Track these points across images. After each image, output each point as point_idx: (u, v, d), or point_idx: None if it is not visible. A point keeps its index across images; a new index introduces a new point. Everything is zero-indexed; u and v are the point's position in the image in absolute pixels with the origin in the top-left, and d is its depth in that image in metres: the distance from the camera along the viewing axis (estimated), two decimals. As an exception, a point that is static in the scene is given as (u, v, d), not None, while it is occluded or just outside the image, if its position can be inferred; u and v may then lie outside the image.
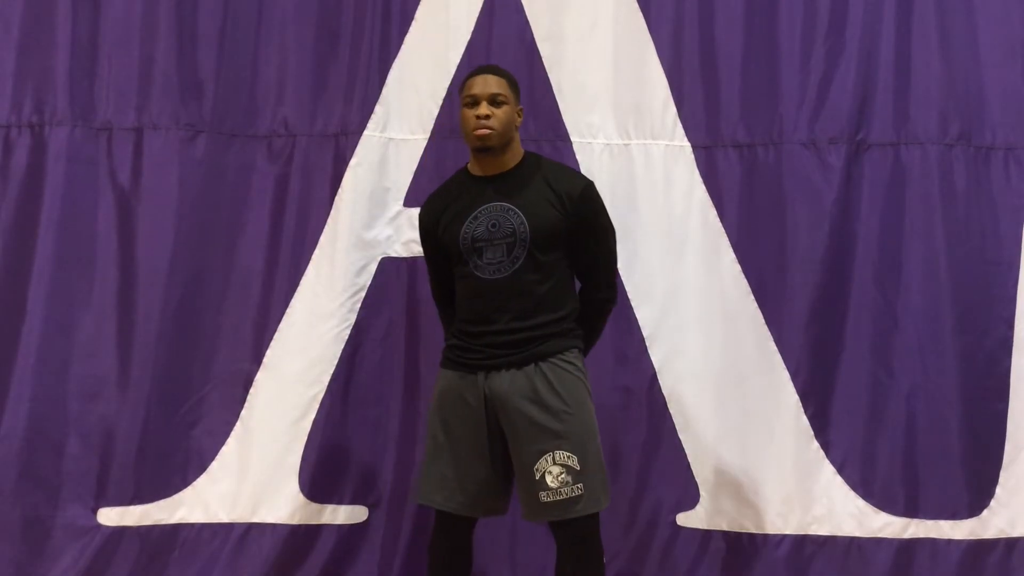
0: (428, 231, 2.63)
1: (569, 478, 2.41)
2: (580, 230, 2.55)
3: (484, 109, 2.50)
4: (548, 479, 2.41)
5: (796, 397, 3.17)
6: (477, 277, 2.50)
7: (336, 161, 3.23)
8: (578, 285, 2.66)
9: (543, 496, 2.42)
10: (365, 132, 3.23)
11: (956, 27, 3.25)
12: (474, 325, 2.52)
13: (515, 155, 2.59)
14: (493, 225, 2.50)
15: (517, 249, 2.48)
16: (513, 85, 2.59)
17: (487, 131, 2.49)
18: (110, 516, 3.13)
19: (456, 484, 2.50)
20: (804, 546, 3.15)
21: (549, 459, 2.42)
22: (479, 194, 2.55)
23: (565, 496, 2.41)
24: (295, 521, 3.14)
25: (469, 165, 2.63)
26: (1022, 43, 3.26)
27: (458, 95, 2.63)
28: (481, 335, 2.51)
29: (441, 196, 2.65)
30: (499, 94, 2.52)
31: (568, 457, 2.42)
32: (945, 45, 3.24)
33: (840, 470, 3.16)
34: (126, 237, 3.19)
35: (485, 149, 2.52)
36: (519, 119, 2.60)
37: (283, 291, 3.21)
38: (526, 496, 2.48)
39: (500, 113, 2.51)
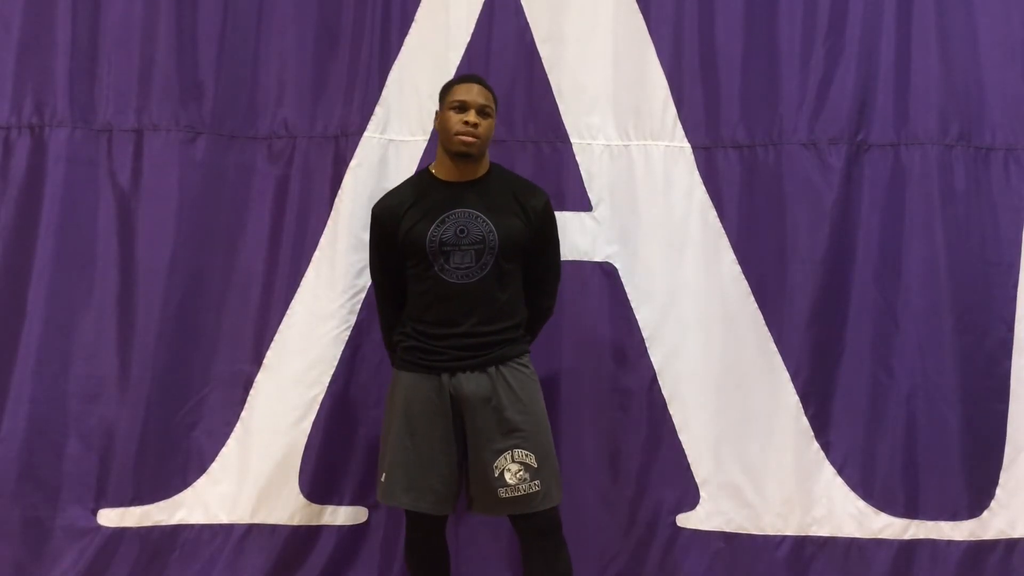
0: (386, 229, 2.67)
1: (527, 475, 2.54)
2: (539, 241, 2.68)
3: (474, 117, 2.57)
4: (507, 476, 2.53)
5: (796, 398, 3.17)
6: (443, 280, 2.58)
7: (336, 162, 3.23)
8: None
9: (501, 492, 2.54)
10: (365, 133, 3.23)
11: (956, 28, 3.25)
12: (437, 327, 2.60)
13: (484, 165, 2.68)
14: (461, 231, 2.57)
15: (486, 256, 2.57)
16: (496, 101, 2.69)
17: (474, 139, 2.57)
18: (110, 517, 3.13)
19: (425, 484, 2.58)
20: (804, 547, 3.15)
21: (508, 457, 2.54)
22: (446, 199, 2.61)
23: (523, 492, 2.53)
24: (295, 522, 3.14)
25: (433, 168, 2.69)
26: (1022, 44, 3.26)
27: (440, 98, 2.68)
28: (445, 337, 2.59)
29: (401, 194, 2.70)
30: (487, 106, 2.61)
31: (526, 455, 2.55)
32: (945, 46, 3.24)
33: (840, 471, 3.16)
34: (126, 238, 3.19)
35: (467, 156, 2.58)
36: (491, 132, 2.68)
37: (283, 292, 3.21)
38: (481, 492, 2.58)
39: (486, 124, 2.60)
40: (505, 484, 2.53)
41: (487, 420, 2.56)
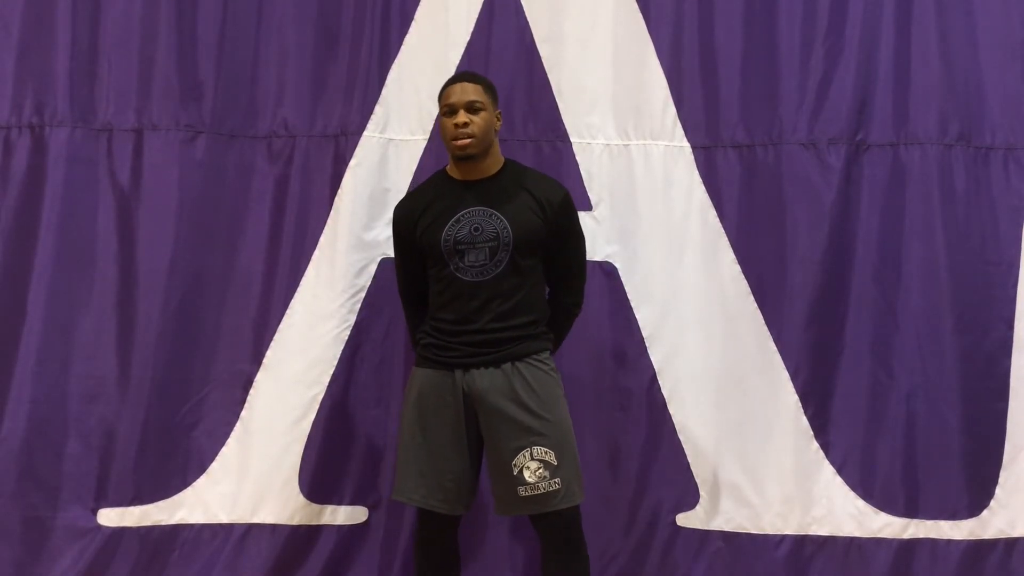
0: (404, 232, 2.67)
1: (547, 473, 2.50)
2: (558, 237, 2.64)
3: (462, 117, 2.55)
4: (526, 474, 2.50)
5: (796, 397, 3.17)
6: (459, 279, 2.57)
7: (336, 162, 3.23)
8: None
9: (521, 491, 2.50)
10: (365, 133, 3.23)
11: (955, 28, 3.25)
12: (453, 324, 2.58)
13: (496, 161, 2.65)
14: (476, 228, 2.56)
15: (500, 253, 2.55)
16: (490, 90, 2.64)
17: (467, 140, 2.55)
18: (110, 517, 3.13)
19: (435, 482, 2.56)
20: (804, 546, 3.15)
21: (527, 455, 2.50)
22: (460, 198, 2.61)
23: (543, 491, 2.50)
24: (295, 522, 3.14)
25: (448, 168, 2.68)
26: (1021, 44, 3.26)
27: (437, 103, 2.67)
28: (460, 334, 2.57)
29: (418, 197, 2.70)
30: (476, 101, 2.57)
31: (546, 453, 2.51)
32: (944, 46, 3.24)
33: (840, 470, 3.17)
34: (126, 238, 3.19)
35: (466, 157, 2.57)
36: (498, 123, 2.66)
37: (283, 292, 3.21)
38: (502, 491, 2.56)
39: (478, 120, 2.56)
40: (524, 483, 2.49)
41: (503, 417, 2.53)
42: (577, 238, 2.72)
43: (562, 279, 2.71)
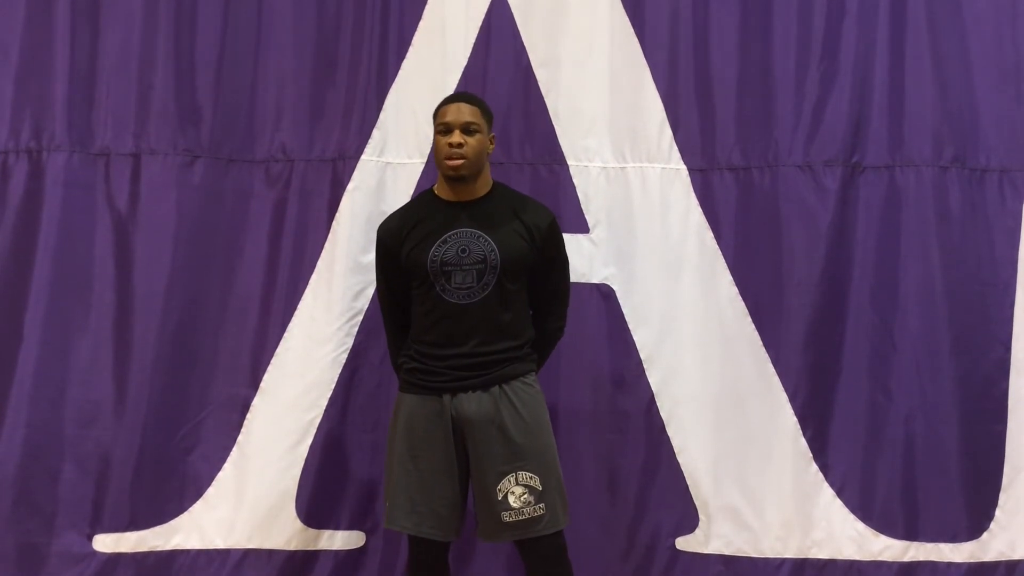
0: (389, 250, 2.66)
1: (531, 498, 2.49)
2: (544, 261, 2.64)
3: (457, 137, 2.54)
4: (511, 499, 2.49)
5: (794, 420, 3.17)
6: (445, 301, 2.55)
7: (333, 185, 3.24)
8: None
9: (505, 516, 2.49)
10: (362, 157, 3.24)
11: (949, 50, 3.27)
12: (439, 348, 2.57)
13: (485, 183, 2.65)
14: (463, 250, 2.55)
15: (487, 276, 2.54)
16: (486, 114, 2.64)
17: (460, 160, 2.54)
18: (106, 543, 3.11)
19: (426, 508, 2.54)
20: (804, 570, 3.14)
21: (512, 479, 2.50)
22: (448, 219, 2.60)
23: (527, 516, 2.49)
24: (292, 547, 3.13)
25: (436, 188, 2.68)
26: (1015, 66, 3.28)
27: (432, 121, 2.67)
28: (446, 357, 2.56)
29: (405, 216, 2.69)
30: (472, 122, 2.57)
31: (531, 478, 2.50)
32: (939, 68, 3.27)
33: (839, 493, 3.16)
34: (123, 262, 3.19)
35: (457, 178, 2.56)
36: (491, 147, 2.66)
37: (280, 315, 3.20)
38: (486, 516, 2.54)
39: (473, 141, 2.56)
40: (509, 508, 2.49)
41: (490, 441, 2.52)
42: (563, 263, 2.72)
43: (547, 303, 2.71)
